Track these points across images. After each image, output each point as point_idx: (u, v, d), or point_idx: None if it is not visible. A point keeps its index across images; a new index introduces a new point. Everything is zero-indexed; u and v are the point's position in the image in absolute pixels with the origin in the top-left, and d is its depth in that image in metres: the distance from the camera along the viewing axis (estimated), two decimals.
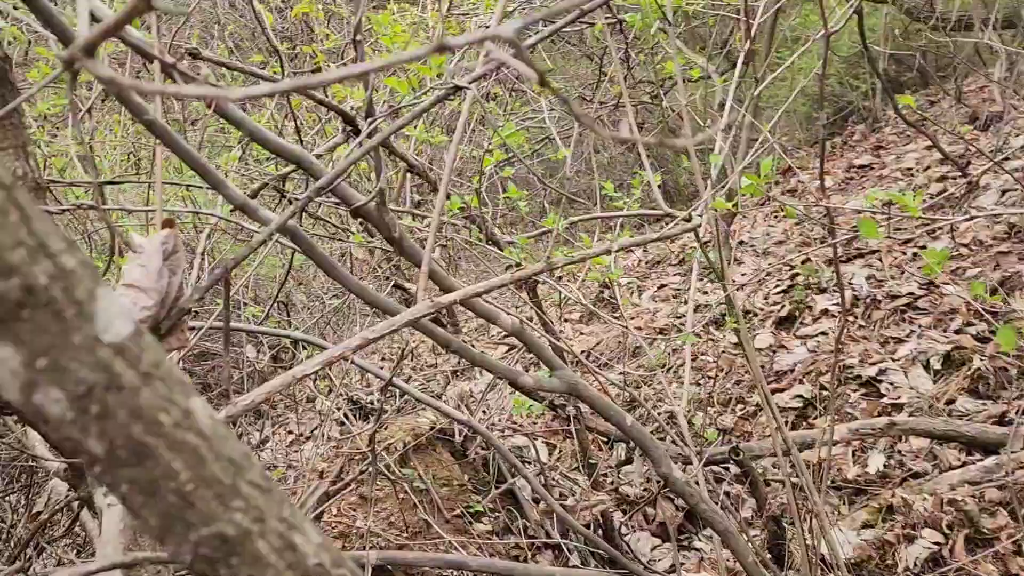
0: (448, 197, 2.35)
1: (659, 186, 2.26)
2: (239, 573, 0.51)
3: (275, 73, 2.63)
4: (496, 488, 2.59)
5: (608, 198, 2.47)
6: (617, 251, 1.63)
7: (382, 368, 2.63)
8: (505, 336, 5.28)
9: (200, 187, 2.37)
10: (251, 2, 2.05)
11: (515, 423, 2.96)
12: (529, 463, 2.73)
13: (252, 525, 0.50)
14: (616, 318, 5.24)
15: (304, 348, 3.32)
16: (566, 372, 1.60)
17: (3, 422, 2.07)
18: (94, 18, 1.06)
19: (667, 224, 1.95)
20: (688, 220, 1.79)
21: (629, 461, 3.13)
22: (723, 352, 4.14)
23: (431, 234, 1.32)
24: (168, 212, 1.36)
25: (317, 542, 0.55)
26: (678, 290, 5.11)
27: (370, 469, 2.00)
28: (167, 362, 0.47)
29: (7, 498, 3.02)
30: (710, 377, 4.00)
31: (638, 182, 2.53)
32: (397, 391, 3.00)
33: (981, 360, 3.09)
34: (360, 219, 1.43)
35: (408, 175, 2.64)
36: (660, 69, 4.29)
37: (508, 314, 1.56)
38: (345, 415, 2.70)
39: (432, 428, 2.52)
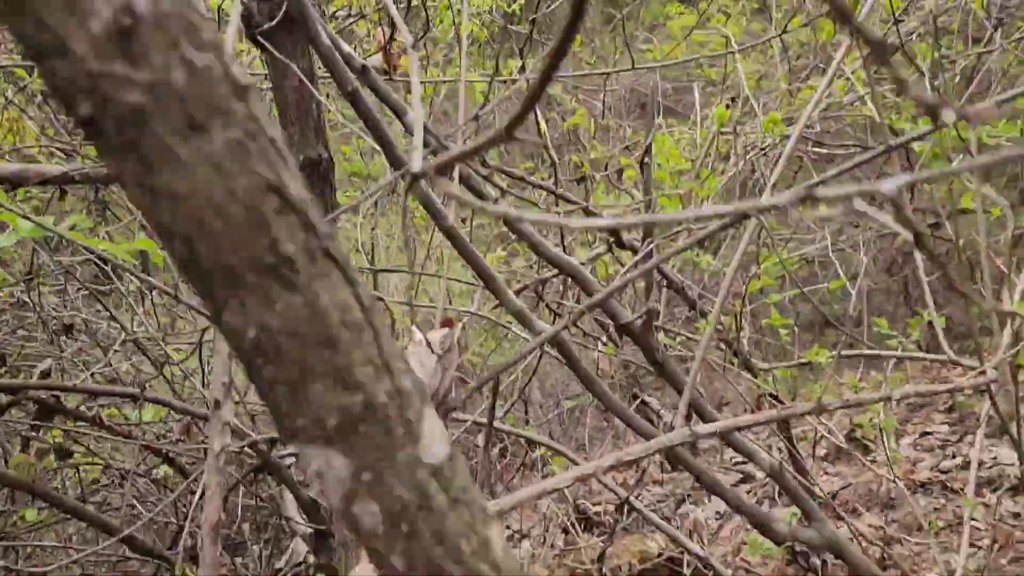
0: (704, 315, 2.30)
1: (943, 329, 2.06)
2: None
3: (544, 179, 2.75)
4: None
5: (881, 336, 2.29)
6: (898, 400, 1.49)
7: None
8: (738, 463, 5.00)
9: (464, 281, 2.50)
10: (535, 118, 2.17)
11: (747, 563, 2.75)
12: None
13: None
14: (872, 462, 4.79)
15: (538, 447, 3.34)
16: (825, 525, 1.46)
17: (264, 478, 2.26)
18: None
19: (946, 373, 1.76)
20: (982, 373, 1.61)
21: None
22: (999, 520, 3.62)
23: (697, 362, 1.28)
24: (449, 310, 1.44)
25: None
26: (945, 442, 4.58)
27: None
28: (473, 487, 0.48)
29: (255, 546, 3.26)
30: (979, 547, 3.49)
31: (916, 322, 2.33)
32: (627, 508, 2.92)
33: None
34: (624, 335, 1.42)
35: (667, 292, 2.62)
36: (943, 198, 3.99)
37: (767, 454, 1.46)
38: (572, 523, 2.65)
39: (660, 555, 2.40)
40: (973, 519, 3.78)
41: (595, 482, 4.20)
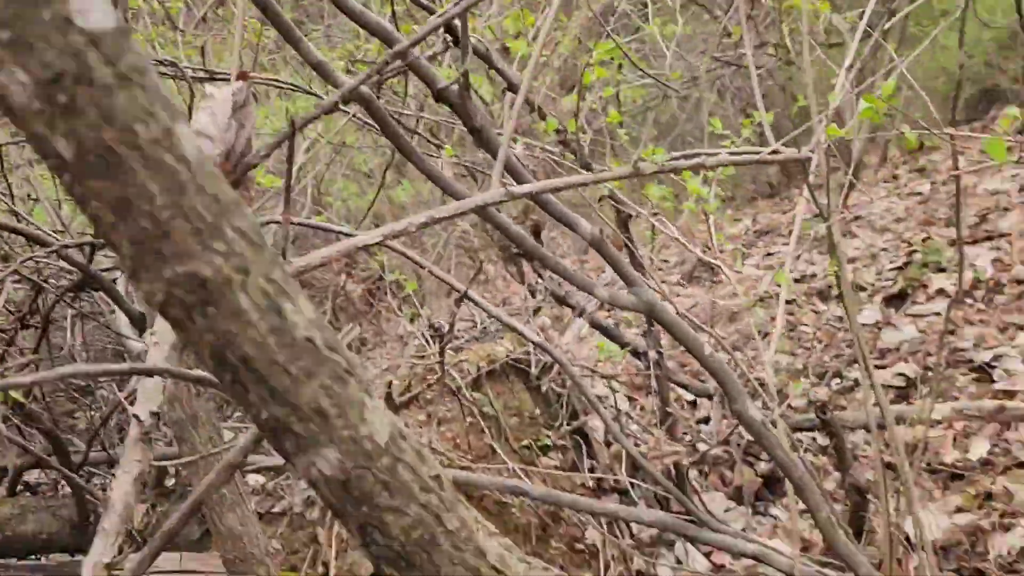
0: (544, 118, 2.28)
1: (771, 126, 2.13)
2: (215, 325, 0.47)
3: None
4: (568, 424, 2.54)
5: (716, 136, 2.35)
6: (711, 167, 1.53)
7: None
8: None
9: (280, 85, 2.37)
10: None
11: (593, 368, 2.89)
12: (605, 406, 2.66)
13: (234, 274, 0.46)
14: (715, 280, 5.08)
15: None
16: (645, 291, 1.52)
17: (91, 298, 2.16)
18: None
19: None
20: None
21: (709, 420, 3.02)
22: (825, 323, 3.95)
23: (510, 120, 1.26)
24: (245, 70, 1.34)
25: (310, 317, 0.50)
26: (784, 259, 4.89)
27: (437, 386, 1.97)
28: (153, 76, 0.43)
29: (99, 391, 3.16)
30: (807, 348, 3.81)
31: (749, 122, 2.39)
32: (478, 323, 2.98)
33: None
34: (442, 102, 1.38)
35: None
36: (788, 15, 4.07)
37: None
38: (425, 339, 2.69)
39: (507, 356, 2.48)
40: (803, 324, 4.10)
41: (453, 305, 4.24)
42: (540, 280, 3.01)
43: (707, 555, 2.66)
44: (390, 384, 2.11)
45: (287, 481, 2.49)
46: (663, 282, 5.45)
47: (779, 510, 2.92)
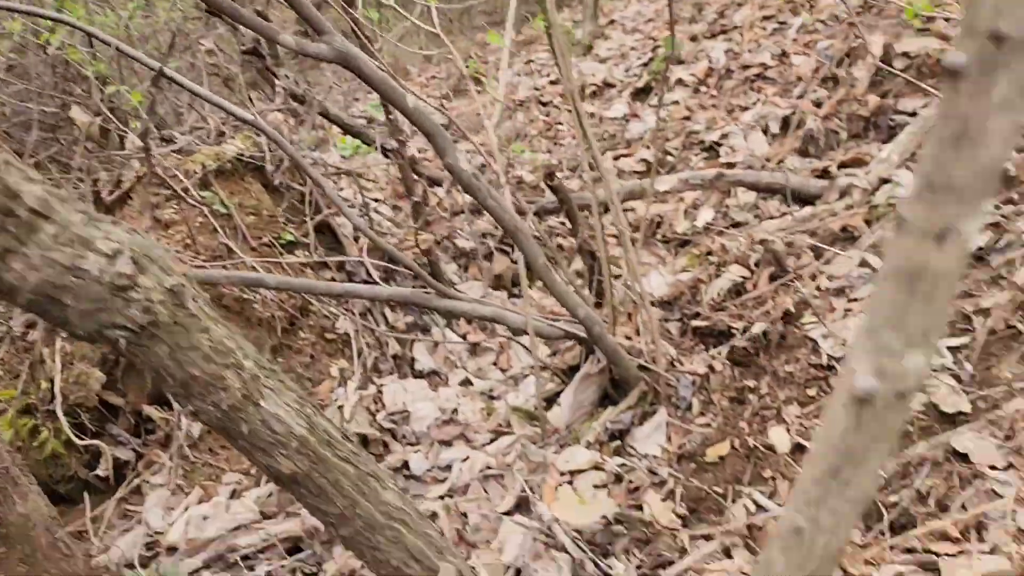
0: None
1: None
2: None
3: None
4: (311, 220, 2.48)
5: None
6: None
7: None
8: (361, 116, 5.02)
9: None
10: None
11: (338, 167, 2.81)
12: (351, 204, 2.62)
13: None
14: (479, 90, 5.05)
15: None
16: (337, 39, 1.44)
17: None
18: None
19: None
20: None
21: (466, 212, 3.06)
22: (592, 116, 4.07)
23: None
24: None
25: None
26: (544, 65, 4.93)
27: (147, 181, 1.83)
28: None
29: None
30: (561, 144, 3.93)
31: None
32: (212, 128, 2.79)
33: (814, 121, 3.12)
34: None
35: None
36: None
37: None
38: (148, 148, 2.48)
39: (239, 156, 2.35)
40: (559, 123, 4.20)
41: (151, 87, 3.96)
42: (277, 80, 2.84)
43: (463, 336, 2.77)
44: (95, 182, 1.93)
45: (5, 309, 2.29)
46: (430, 96, 5.37)
47: (534, 291, 3.08)
